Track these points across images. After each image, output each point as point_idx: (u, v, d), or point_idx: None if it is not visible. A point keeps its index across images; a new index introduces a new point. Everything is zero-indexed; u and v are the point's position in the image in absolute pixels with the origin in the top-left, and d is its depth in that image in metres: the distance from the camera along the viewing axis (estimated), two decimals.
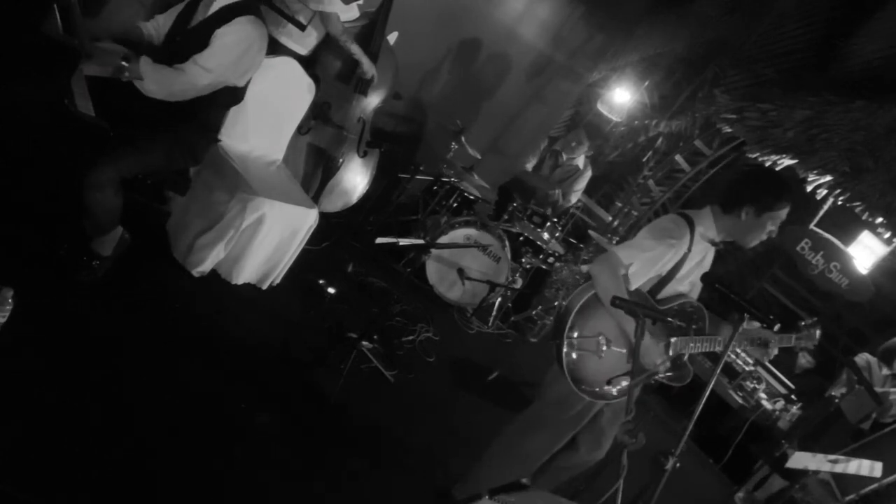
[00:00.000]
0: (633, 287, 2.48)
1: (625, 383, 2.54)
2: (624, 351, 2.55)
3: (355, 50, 3.95)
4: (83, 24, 2.43)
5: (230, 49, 2.70)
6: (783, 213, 2.52)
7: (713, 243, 2.59)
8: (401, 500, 2.87)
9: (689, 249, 2.52)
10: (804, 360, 5.91)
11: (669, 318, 2.39)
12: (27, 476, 1.92)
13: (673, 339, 2.52)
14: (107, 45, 2.69)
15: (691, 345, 2.50)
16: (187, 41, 2.73)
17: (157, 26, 2.86)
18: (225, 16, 2.71)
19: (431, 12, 5.18)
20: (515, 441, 2.72)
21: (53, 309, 2.51)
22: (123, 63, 2.63)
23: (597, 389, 2.55)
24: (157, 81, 2.65)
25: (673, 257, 2.50)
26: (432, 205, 5.11)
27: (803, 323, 2.63)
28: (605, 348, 2.55)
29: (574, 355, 2.53)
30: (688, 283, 2.61)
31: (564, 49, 6.33)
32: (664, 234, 2.51)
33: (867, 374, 4.44)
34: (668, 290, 2.57)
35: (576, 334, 2.53)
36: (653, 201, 6.81)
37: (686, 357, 2.57)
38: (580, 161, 5.41)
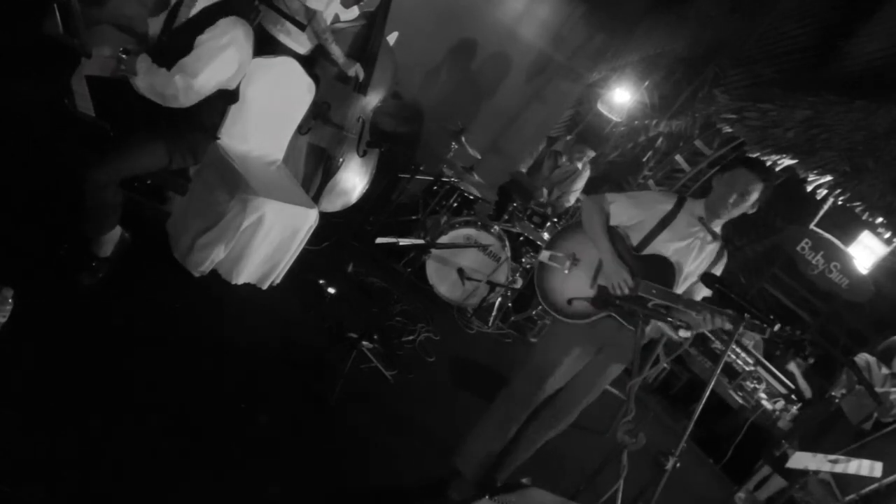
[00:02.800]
0: (612, 222, 2.73)
1: (583, 307, 2.73)
2: (591, 274, 2.75)
3: (334, 50, 3.96)
4: (86, 14, 2.43)
5: (214, 54, 2.69)
6: (738, 172, 2.61)
7: (700, 220, 2.66)
8: (400, 499, 2.87)
9: (674, 214, 2.68)
10: (796, 367, 5.91)
11: (669, 317, 2.40)
12: (27, 476, 1.92)
13: (641, 282, 2.57)
14: (109, 29, 2.69)
15: (657, 292, 2.54)
16: (172, 42, 2.73)
17: (156, 23, 2.86)
18: (207, 18, 2.69)
19: (431, 12, 5.19)
20: (504, 392, 2.94)
21: (53, 309, 2.51)
22: (122, 55, 2.63)
23: (558, 305, 2.79)
24: (149, 81, 2.65)
25: (653, 209, 2.70)
26: (432, 205, 5.11)
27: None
28: (570, 265, 2.82)
29: (544, 267, 2.88)
30: (674, 254, 2.65)
31: (564, 49, 6.34)
32: (649, 191, 2.83)
33: (867, 373, 4.44)
34: (649, 251, 2.67)
35: (551, 250, 2.88)
36: None
37: (649, 304, 2.56)
38: (579, 162, 5.41)
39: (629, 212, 2.73)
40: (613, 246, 2.71)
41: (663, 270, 2.62)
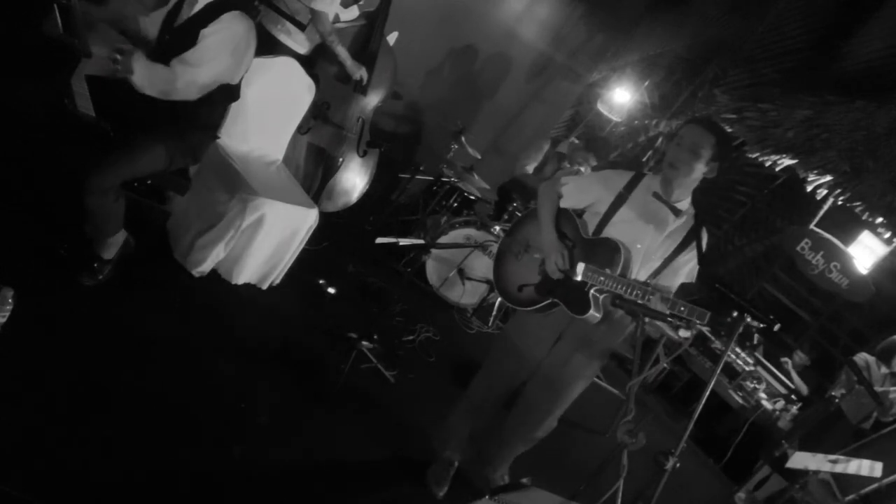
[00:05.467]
0: (563, 204, 2.72)
1: (530, 293, 2.73)
2: (537, 257, 2.75)
3: (341, 52, 3.94)
4: (85, 11, 2.42)
5: (218, 47, 2.69)
6: (686, 129, 2.53)
7: (655, 195, 2.55)
8: (400, 499, 2.87)
9: (629, 190, 2.59)
10: (799, 358, 5.92)
11: (670, 318, 2.37)
12: (27, 476, 1.92)
13: (581, 265, 2.53)
14: (106, 29, 2.67)
15: (601, 279, 2.47)
16: (175, 40, 2.72)
17: (151, 23, 2.84)
18: (210, 14, 2.69)
19: (431, 12, 5.19)
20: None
21: (54, 309, 2.51)
22: (117, 55, 2.62)
23: (510, 293, 2.82)
24: (147, 78, 2.61)
25: (607, 187, 2.63)
26: (432, 205, 5.11)
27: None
28: (523, 252, 2.83)
29: (501, 253, 2.93)
30: (628, 231, 2.56)
31: (564, 49, 6.34)
32: (606, 170, 2.83)
33: (866, 373, 4.45)
34: (607, 234, 2.59)
35: (510, 237, 2.92)
36: None
37: (591, 290, 2.52)
38: (579, 166, 5.41)
39: (581, 191, 2.69)
40: (558, 229, 2.68)
41: (607, 253, 2.52)
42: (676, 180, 2.52)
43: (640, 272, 2.57)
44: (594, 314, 2.55)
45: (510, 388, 2.90)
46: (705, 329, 2.32)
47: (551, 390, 2.78)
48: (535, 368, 2.80)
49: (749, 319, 2.07)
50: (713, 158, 2.49)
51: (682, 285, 2.66)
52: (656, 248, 2.57)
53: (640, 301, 2.35)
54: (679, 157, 2.50)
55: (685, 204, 2.58)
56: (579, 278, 2.53)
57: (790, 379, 5.62)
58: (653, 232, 2.56)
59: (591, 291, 2.53)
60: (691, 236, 2.56)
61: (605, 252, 2.53)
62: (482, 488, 2.99)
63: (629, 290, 2.39)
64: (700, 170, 2.50)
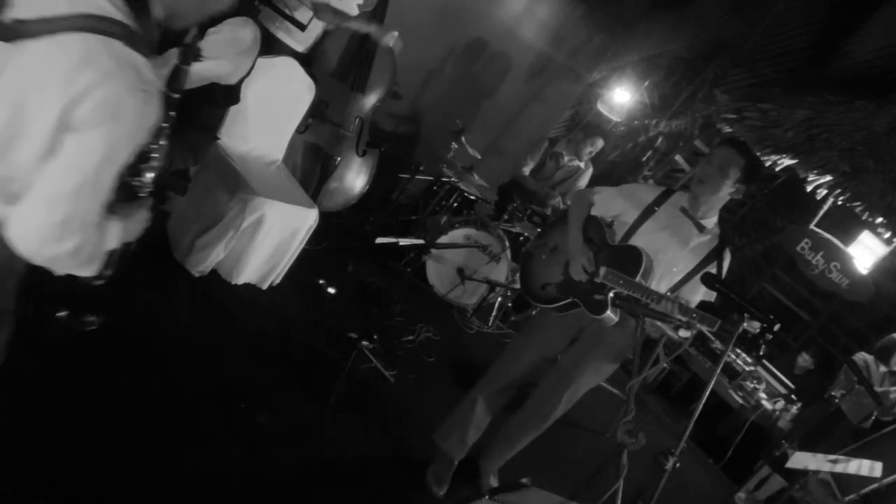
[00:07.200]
0: (594, 211, 2.80)
1: (553, 292, 2.81)
2: (564, 261, 2.81)
3: (356, 25, 3.82)
4: None
5: (220, 46, 2.69)
6: (718, 149, 2.64)
7: (682, 211, 2.63)
8: (400, 499, 2.87)
9: (658, 205, 2.68)
10: (803, 360, 5.92)
11: (668, 316, 2.38)
12: (27, 476, 1.92)
13: (603, 268, 2.59)
14: None
15: (620, 282, 2.52)
16: (176, 41, 2.72)
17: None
18: (216, 18, 2.69)
19: (431, 12, 5.19)
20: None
21: (53, 309, 2.51)
22: None
23: (534, 290, 2.91)
24: None
25: (636, 200, 2.71)
26: (432, 205, 5.11)
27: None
28: (549, 252, 2.92)
29: (528, 254, 3.04)
30: (653, 242, 2.61)
31: (564, 49, 6.34)
32: (638, 183, 2.85)
33: (865, 373, 4.45)
34: (633, 243, 2.66)
35: (539, 239, 3.02)
36: None
37: (610, 293, 2.57)
38: (581, 162, 5.40)
39: (612, 201, 2.77)
40: (585, 233, 2.75)
41: (630, 260, 2.57)
42: (703, 196, 2.61)
43: (661, 283, 2.64)
44: (611, 316, 2.63)
45: (524, 377, 2.94)
46: (706, 329, 2.33)
47: (563, 386, 2.84)
48: (550, 364, 2.89)
49: (748, 318, 2.08)
50: (740, 181, 2.58)
51: (702, 302, 2.69)
52: (678, 260, 2.64)
53: (653, 306, 2.40)
54: (707, 173, 2.60)
55: (710, 222, 2.66)
56: (601, 280, 2.59)
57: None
58: (676, 245, 2.64)
59: (610, 294, 2.58)
60: (714, 254, 2.64)
61: (627, 258, 2.59)
62: (477, 480, 3.00)
63: (646, 297, 2.44)
64: (726, 190, 2.59)
